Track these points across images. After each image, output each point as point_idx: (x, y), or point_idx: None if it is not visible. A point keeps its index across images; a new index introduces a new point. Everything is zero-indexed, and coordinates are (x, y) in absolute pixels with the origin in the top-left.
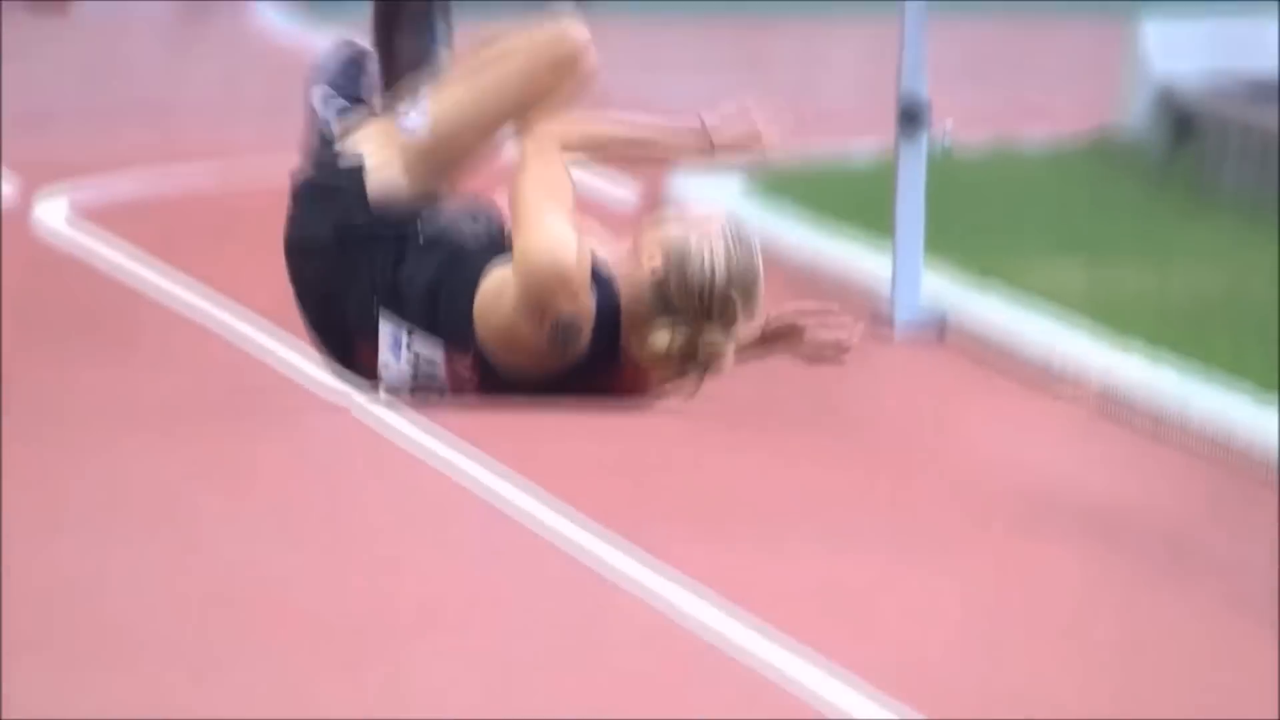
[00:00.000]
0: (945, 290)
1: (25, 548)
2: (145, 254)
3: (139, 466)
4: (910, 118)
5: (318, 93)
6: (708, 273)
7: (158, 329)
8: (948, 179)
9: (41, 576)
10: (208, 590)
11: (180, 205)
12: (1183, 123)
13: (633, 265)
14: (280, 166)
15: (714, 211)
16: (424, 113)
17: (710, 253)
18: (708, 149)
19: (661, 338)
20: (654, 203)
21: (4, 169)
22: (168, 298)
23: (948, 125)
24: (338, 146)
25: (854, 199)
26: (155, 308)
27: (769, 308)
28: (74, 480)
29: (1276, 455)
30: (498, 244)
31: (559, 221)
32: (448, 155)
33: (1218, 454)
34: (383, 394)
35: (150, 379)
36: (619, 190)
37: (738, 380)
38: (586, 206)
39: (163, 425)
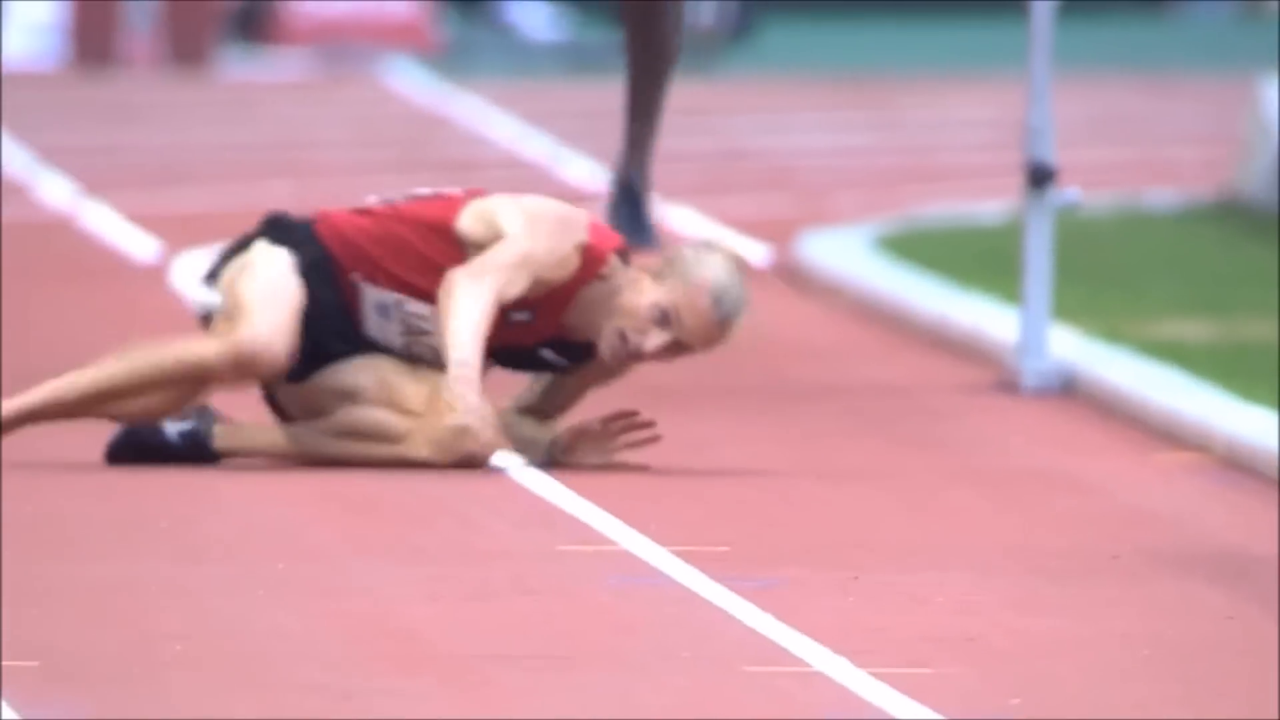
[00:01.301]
0: (1072, 346)
1: (167, 582)
2: None
3: (270, 508)
4: (1037, 177)
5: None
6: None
7: None
8: (1075, 236)
9: (180, 611)
10: (340, 630)
11: None
12: None
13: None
14: None
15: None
16: None
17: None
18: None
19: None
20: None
21: (143, 227)
22: None
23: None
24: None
25: (982, 256)
26: None
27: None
28: (210, 520)
29: None
30: None
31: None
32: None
33: None
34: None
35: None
36: (753, 249)
37: (873, 437)
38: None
39: (295, 472)
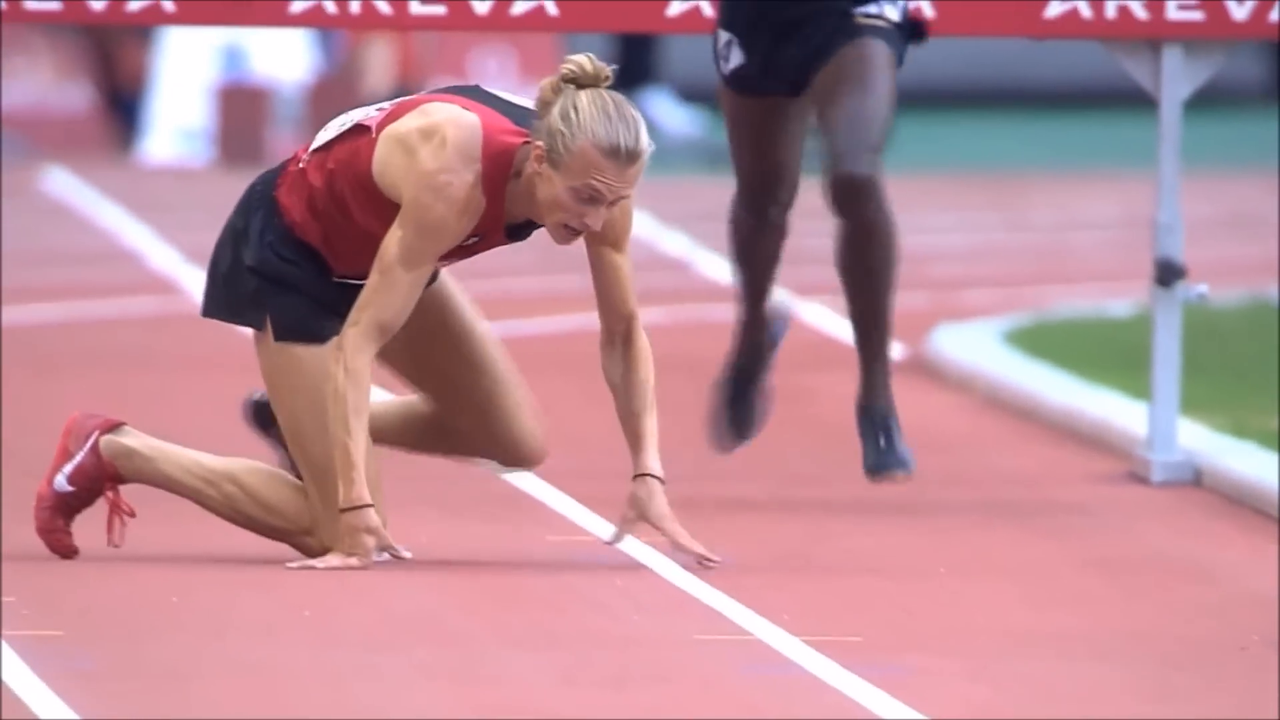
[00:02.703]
0: (1200, 439)
1: (308, 667)
2: None
3: (410, 596)
4: (1166, 275)
5: None
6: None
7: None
8: (1201, 330)
9: (321, 696)
10: (478, 715)
11: None
12: None
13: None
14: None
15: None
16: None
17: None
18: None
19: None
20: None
21: None
22: None
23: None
24: None
25: (1111, 350)
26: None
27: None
28: (351, 607)
29: None
30: None
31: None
32: None
33: None
34: None
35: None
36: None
37: (1004, 526)
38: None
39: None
